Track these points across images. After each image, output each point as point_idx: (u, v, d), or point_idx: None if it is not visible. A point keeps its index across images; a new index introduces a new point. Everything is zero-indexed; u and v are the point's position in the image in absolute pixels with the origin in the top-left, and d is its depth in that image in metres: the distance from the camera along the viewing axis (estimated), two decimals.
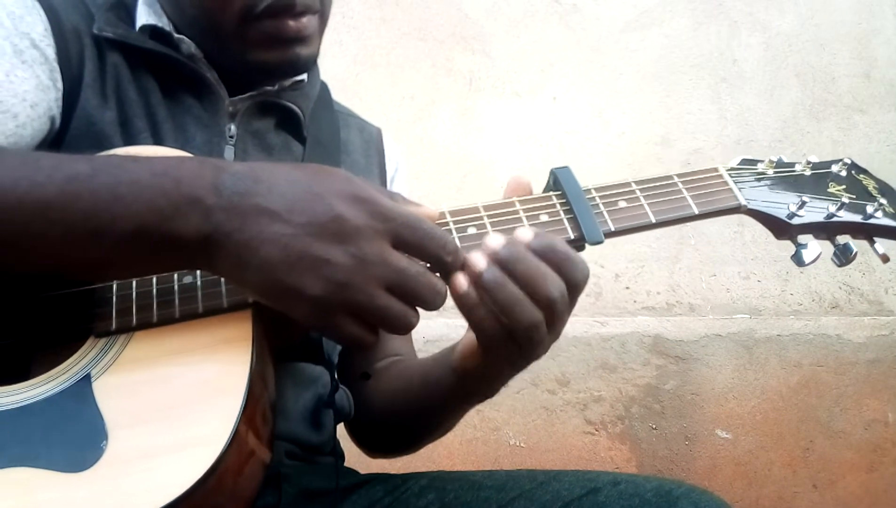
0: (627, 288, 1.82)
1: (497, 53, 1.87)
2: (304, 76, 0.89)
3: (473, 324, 0.60)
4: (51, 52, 0.73)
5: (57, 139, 0.74)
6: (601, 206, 0.69)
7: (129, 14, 0.82)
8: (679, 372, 1.78)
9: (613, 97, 1.88)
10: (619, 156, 1.85)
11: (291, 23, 0.77)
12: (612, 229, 0.69)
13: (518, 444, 1.73)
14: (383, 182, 0.96)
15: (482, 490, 0.76)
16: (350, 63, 1.82)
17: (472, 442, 1.72)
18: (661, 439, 1.77)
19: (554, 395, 1.76)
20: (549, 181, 0.72)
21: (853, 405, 1.80)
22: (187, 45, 0.80)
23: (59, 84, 0.74)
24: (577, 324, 1.78)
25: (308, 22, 0.78)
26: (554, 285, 0.58)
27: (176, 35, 0.80)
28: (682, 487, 0.70)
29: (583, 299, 1.95)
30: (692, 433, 1.77)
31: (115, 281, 0.63)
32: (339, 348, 0.87)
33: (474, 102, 1.85)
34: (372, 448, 0.93)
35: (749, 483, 1.78)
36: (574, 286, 0.60)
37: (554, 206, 0.69)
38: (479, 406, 1.91)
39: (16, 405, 0.57)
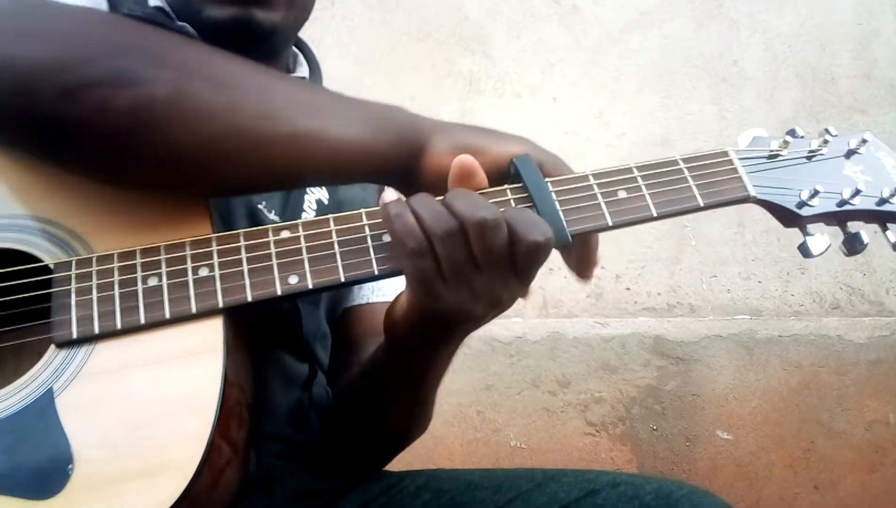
0: (628, 289, 1.82)
1: (497, 54, 1.87)
2: (306, 75, 0.86)
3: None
4: None
5: None
6: (599, 196, 0.64)
7: None
8: (680, 373, 1.78)
9: (613, 98, 1.88)
10: (619, 157, 1.85)
11: None
12: (610, 223, 0.63)
13: (519, 445, 1.73)
14: None
15: (478, 490, 0.75)
16: (351, 64, 1.82)
17: (473, 443, 1.72)
18: (661, 440, 1.77)
19: (554, 396, 1.76)
20: (510, 171, 0.64)
21: (854, 406, 1.80)
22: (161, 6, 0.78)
23: None
24: (577, 325, 1.78)
25: None
26: (441, 217, 0.57)
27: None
28: (682, 489, 0.69)
29: (583, 300, 1.94)
30: (693, 435, 1.77)
31: (74, 282, 0.59)
32: (322, 339, 0.84)
33: (475, 103, 1.85)
34: (335, 462, 0.85)
35: (750, 484, 1.77)
36: (468, 224, 0.57)
37: (508, 202, 0.62)
38: (480, 408, 1.87)
39: None
